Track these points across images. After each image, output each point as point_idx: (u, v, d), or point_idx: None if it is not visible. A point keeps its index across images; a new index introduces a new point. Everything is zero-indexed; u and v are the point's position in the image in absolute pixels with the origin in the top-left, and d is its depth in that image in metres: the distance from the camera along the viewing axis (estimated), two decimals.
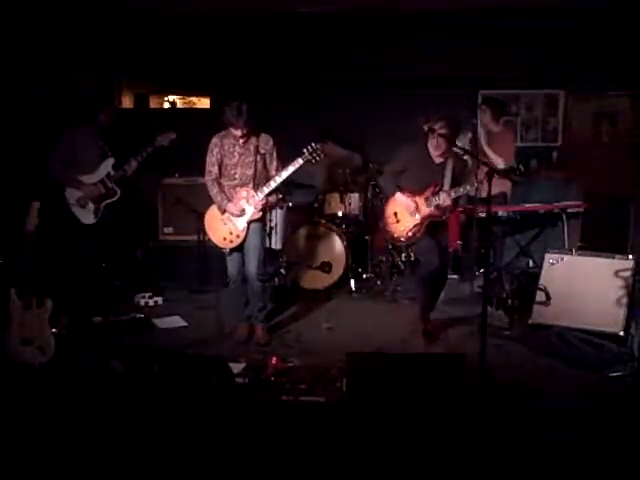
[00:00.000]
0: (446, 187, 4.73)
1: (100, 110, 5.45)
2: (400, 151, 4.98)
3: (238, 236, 4.78)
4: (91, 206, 5.39)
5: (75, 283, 5.25)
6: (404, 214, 4.88)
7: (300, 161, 4.64)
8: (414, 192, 4.83)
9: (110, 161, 5.41)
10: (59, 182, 5.37)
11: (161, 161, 5.90)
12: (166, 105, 8.57)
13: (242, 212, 4.74)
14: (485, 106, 5.95)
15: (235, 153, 4.74)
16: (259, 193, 4.71)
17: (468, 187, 4.70)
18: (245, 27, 7.10)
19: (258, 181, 4.74)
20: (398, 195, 4.88)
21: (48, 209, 4.52)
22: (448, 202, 4.72)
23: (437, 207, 4.75)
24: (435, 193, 4.75)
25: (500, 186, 5.34)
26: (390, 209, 4.98)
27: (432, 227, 4.84)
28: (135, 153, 5.42)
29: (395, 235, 4.98)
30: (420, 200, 4.80)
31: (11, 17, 5.83)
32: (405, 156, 4.91)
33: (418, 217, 4.81)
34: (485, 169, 4.07)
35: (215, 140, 4.78)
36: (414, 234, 4.85)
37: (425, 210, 4.79)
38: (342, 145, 6.97)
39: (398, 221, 4.92)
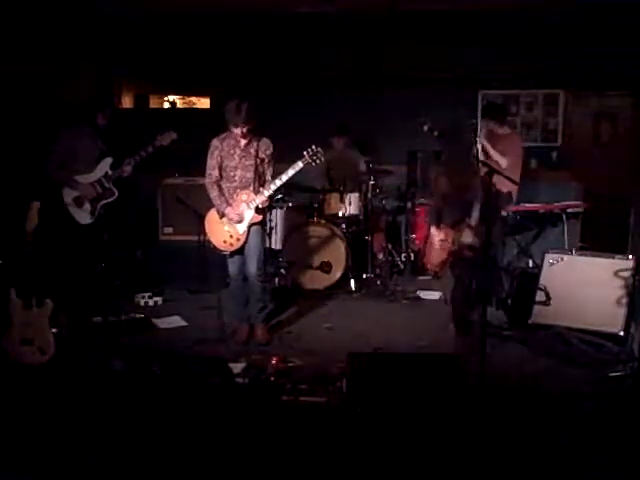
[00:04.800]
0: (473, 223, 4.56)
1: (98, 112, 5.44)
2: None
3: (239, 239, 4.78)
4: (87, 206, 5.38)
5: (75, 283, 5.24)
6: (436, 248, 4.82)
7: (300, 164, 4.65)
8: (450, 226, 4.73)
9: (108, 161, 5.40)
10: (56, 182, 5.36)
11: (161, 161, 5.89)
12: (166, 105, 8.58)
13: (241, 217, 4.74)
14: (487, 117, 5.92)
15: (235, 155, 4.74)
16: (260, 195, 4.71)
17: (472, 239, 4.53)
18: (245, 27, 7.10)
19: (257, 184, 4.74)
20: (432, 230, 4.81)
21: (46, 209, 4.52)
22: (469, 240, 4.55)
23: (462, 245, 4.62)
24: (461, 230, 4.63)
25: (504, 186, 5.32)
26: (429, 237, 4.93)
27: (460, 266, 4.71)
28: (134, 153, 5.41)
29: (425, 262, 4.99)
30: (451, 237, 4.70)
31: (12, 18, 5.83)
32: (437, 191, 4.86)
33: (444, 255, 4.74)
34: (485, 169, 4.07)
35: (216, 143, 4.77)
36: (440, 269, 4.84)
37: (449, 247, 4.68)
38: (349, 144, 6.97)
39: (431, 251, 4.88)
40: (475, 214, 4.63)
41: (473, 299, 4.72)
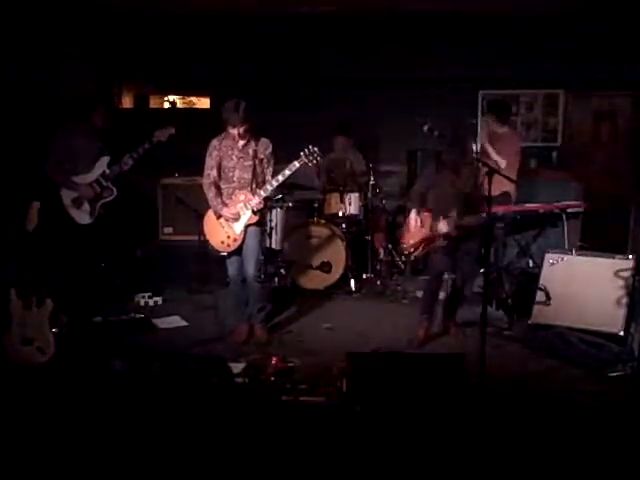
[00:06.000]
0: (453, 214, 4.68)
1: (93, 110, 5.42)
2: (423, 173, 5.14)
3: (235, 240, 4.77)
4: (87, 207, 5.35)
5: (75, 283, 5.24)
6: (411, 230, 4.92)
7: (296, 164, 4.63)
8: (431, 212, 4.84)
9: (105, 160, 5.35)
10: (55, 183, 5.35)
11: (161, 161, 5.88)
12: (166, 105, 8.57)
13: (237, 216, 4.73)
14: (489, 113, 6.00)
15: (233, 156, 4.74)
16: (256, 196, 4.70)
17: (473, 219, 4.66)
18: (245, 27, 7.10)
19: (255, 185, 4.74)
20: (412, 212, 4.90)
21: (46, 209, 4.51)
22: (445, 230, 4.70)
23: (435, 232, 4.77)
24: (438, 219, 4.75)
25: (503, 186, 5.32)
26: (408, 219, 5.04)
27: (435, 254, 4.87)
28: (132, 150, 5.37)
29: (402, 242, 5.11)
30: (428, 222, 4.82)
31: (11, 17, 5.83)
32: (426, 179, 4.96)
33: (418, 237, 4.86)
34: (485, 169, 4.07)
35: (214, 143, 4.78)
36: (414, 250, 4.91)
37: (424, 233, 4.82)
38: (350, 144, 6.95)
39: (409, 232, 4.96)
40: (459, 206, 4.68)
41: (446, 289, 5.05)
